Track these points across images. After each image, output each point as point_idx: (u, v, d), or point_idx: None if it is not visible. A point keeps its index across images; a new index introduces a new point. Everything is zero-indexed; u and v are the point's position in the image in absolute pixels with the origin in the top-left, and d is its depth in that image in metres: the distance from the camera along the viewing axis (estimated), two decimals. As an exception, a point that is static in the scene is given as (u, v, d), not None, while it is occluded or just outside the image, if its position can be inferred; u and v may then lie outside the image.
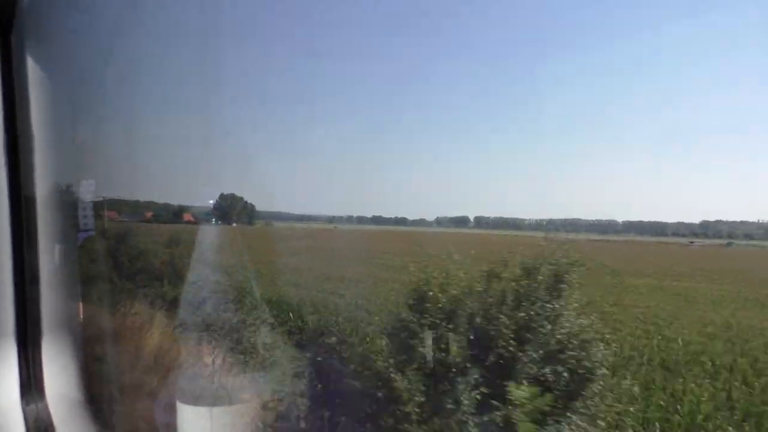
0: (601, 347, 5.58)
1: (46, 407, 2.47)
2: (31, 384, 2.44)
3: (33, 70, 2.42)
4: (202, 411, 4.27)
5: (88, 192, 4.21)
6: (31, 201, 2.43)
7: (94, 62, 4.10)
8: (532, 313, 5.62)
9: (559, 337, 5.48)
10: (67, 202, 3.25)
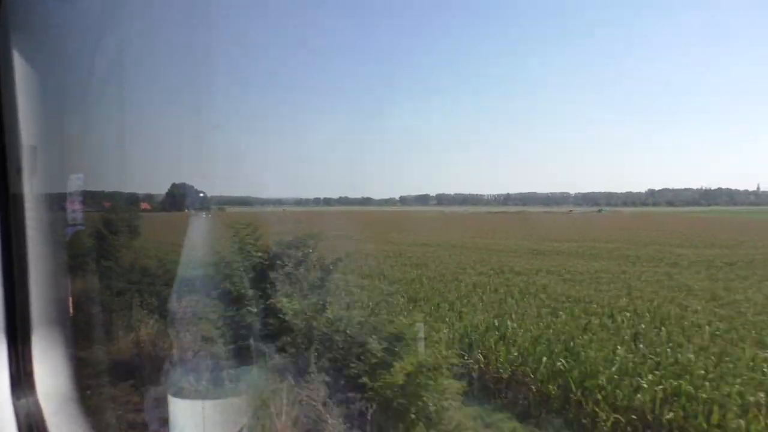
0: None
1: (36, 402, 2.47)
2: (21, 379, 2.43)
3: (18, 62, 2.39)
4: (194, 404, 4.27)
5: (76, 186, 4.18)
6: (18, 196, 2.41)
7: (81, 54, 4.05)
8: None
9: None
10: (54, 197, 3.23)
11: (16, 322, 2.38)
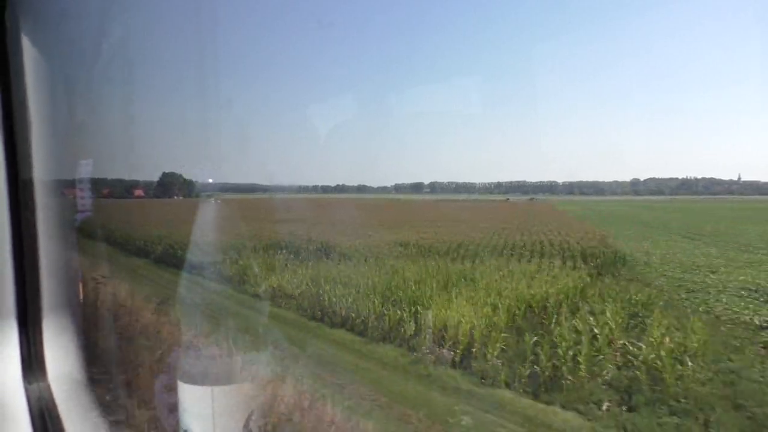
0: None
1: (47, 386, 2.50)
2: (32, 363, 2.46)
3: (28, 50, 2.39)
4: (203, 390, 4.30)
5: (86, 173, 4.20)
6: (28, 183, 2.42)
7: (88, 43, 4.04)
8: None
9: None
10: (64, 184, 3.24)
11: (27, 307, 2.41)
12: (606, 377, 8.56)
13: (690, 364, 8.38)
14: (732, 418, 7.25)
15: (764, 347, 9.59)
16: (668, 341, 9.04)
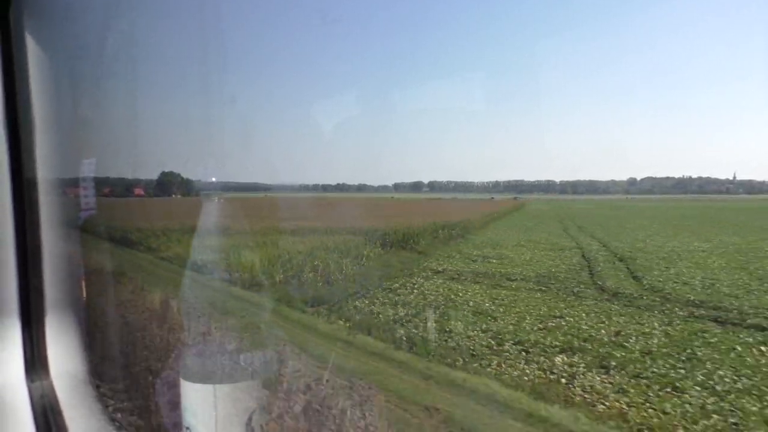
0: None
1: (50, 384, 2.50)
2: (35, 362, 2.47)
3: (32, 47, 2.39)
4: (206, 388, 4.31)
5: (89, 171, 4.20)
6: (31, 181, 2.42)
7: (92, 40, 4.04)
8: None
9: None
10: (67, 182, 3.24)
11: (30, 305, 2.41)
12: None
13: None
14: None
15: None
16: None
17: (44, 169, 2.48)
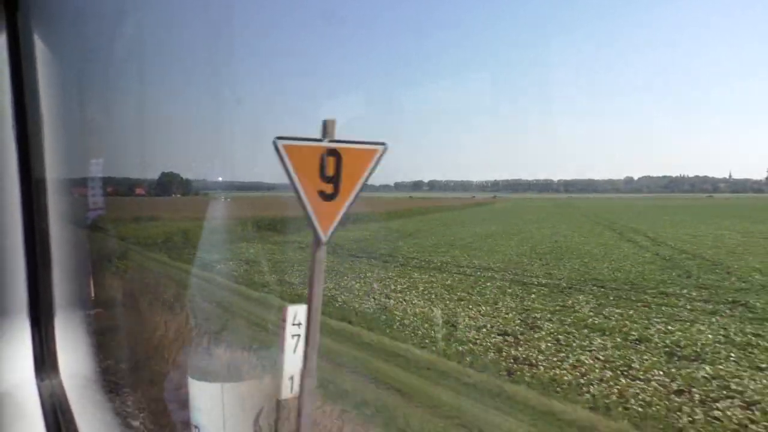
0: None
1: (60, 383, 2.51)
2: (45, 361, 2.48)
3: (39, 49, 2.40)
4: (213, 386, 4.32)
5: (97, 171, 4.22)
6: (40, 182, 2.43)
7: (100, 41, 4.06)
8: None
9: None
10: (76, 182, 3.26)
11: (39, 305, 2.42)
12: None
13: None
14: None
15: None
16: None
17: (52, 170, 2.49)
